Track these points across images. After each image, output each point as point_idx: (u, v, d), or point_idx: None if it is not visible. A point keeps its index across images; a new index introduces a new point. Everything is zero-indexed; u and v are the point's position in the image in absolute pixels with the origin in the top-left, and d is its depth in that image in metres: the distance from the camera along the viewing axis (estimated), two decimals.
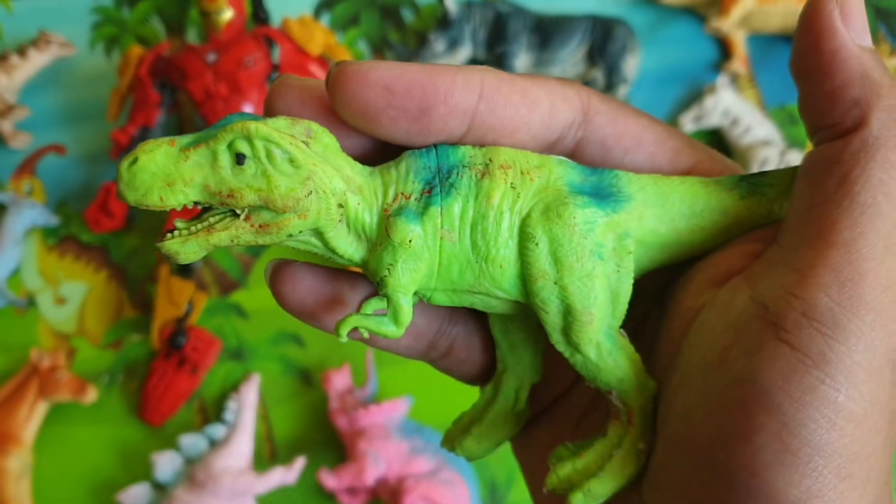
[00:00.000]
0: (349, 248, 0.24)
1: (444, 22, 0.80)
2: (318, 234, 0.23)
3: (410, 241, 0.23)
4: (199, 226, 0.23)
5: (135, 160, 0.22)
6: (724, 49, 0.83)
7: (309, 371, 0.75)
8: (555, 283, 0.23)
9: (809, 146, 0.24)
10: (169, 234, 0.23)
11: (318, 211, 0.23)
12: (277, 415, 0.74)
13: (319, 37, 0.73)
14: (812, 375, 0.20)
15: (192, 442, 0.69)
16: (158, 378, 0.72)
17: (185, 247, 0.22)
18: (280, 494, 0.69)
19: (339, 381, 0.71)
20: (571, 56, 0.80)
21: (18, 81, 0.81)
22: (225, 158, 0.22)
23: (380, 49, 0.85)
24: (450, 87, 0.23)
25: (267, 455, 0.72)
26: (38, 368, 0.71)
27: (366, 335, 0.24)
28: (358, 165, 0.24)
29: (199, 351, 0.73)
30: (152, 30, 0.86)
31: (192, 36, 0.85)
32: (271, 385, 0.74)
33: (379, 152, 0.25)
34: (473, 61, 0.81)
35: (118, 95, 0.77)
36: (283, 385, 0.75)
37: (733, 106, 0.78)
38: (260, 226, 0.22)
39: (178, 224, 0.23)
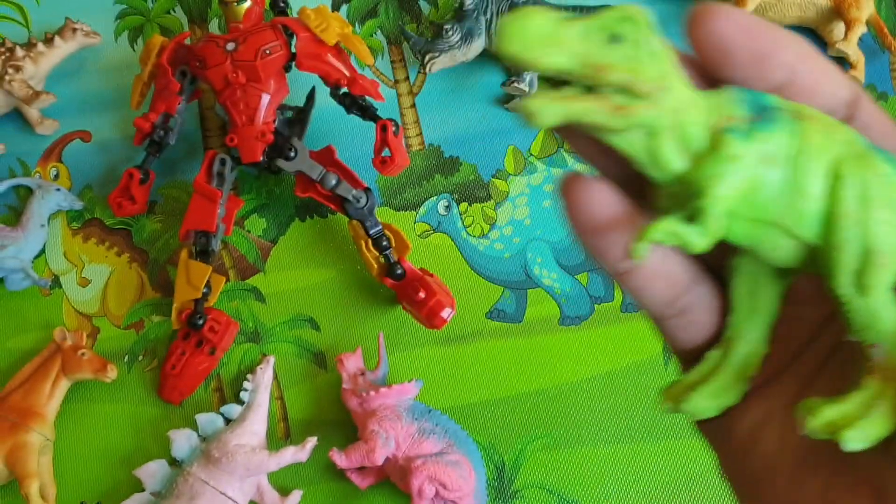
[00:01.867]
0: (674, 156, 0.25)
1: (459, 13, 0.81)
2: (652, 135, 0.24)
3: (736, 158, 0.24)
4: (561, 94, 0.24)
5: (522, 16, 0.23)
6: None
7: (323, 354, 0.76)
8: (859, 224, 0.24)
9: None
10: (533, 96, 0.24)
11: (663, 109, 0.24)
12: (292, 395, 0.75)
13: (335, 26, 0.74)
14: None
15: (208, 420, 0.71)
16: (177, 358, 0.74)
17: (546, 107, 0.23)
18: (292, 472, 0.71)
19: (352, 363, 0.72)
20: None
21: (45, 69, 0.83)
22: (603, 35, 0.23)
23: (396, 39, 0.86)
24: (784, 41, 0.24)
25: (281, 435, 0.74)
26: (61, 347, 0.73)
27: (664, 242, 0.25)
28: (692, 85, 0.25)
29: (217, 332, 0.74)
30: (175, 20, 0.88)
31: (214, 27, 0.87)
32: (286, 367, 0.76)
33: None
34: (488, 52, 0.82)
35: (140, 83, 0.79)
36: (298, 367, 0.76)
37: None
38: (615, 107, 0.23)
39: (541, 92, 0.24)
